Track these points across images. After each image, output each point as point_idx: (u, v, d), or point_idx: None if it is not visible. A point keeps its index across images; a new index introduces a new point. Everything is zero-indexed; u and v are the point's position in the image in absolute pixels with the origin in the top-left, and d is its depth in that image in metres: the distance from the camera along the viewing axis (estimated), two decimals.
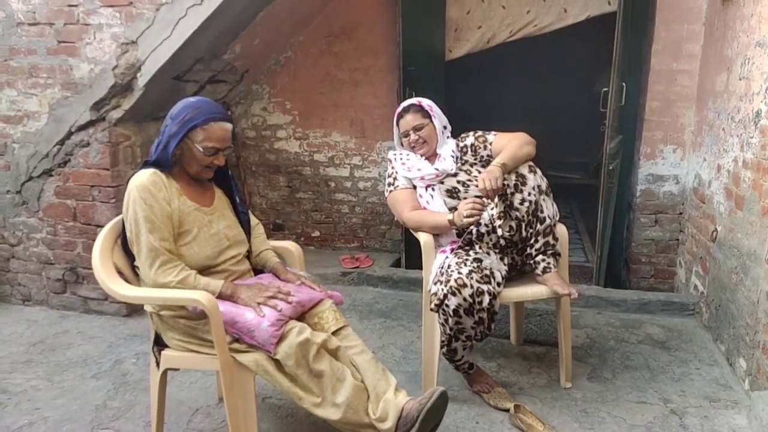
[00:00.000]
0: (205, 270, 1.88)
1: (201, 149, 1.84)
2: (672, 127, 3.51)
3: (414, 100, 2.48)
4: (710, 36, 3.22)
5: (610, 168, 3.48)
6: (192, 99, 1.89)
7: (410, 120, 2.42)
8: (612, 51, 3.27)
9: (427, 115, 2.44)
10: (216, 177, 2.02)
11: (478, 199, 2.11)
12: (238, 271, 1.98)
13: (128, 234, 1.83)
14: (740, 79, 2.65)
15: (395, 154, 2.52)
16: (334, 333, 1.90)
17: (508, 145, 2.25)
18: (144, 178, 1.81)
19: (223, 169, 2.00)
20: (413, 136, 2.42)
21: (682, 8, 3.35)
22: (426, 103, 2.47)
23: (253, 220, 2.18)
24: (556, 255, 2.29)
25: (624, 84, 3.43)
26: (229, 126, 1.90)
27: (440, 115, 2.49)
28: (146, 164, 1.89)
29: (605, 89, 3.45)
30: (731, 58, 2.80)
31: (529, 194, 2.19)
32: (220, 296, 1.81)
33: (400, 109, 2.48)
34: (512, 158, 2.18)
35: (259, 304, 1.78)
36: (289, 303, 1.81)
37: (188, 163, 1.89)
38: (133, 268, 1.92)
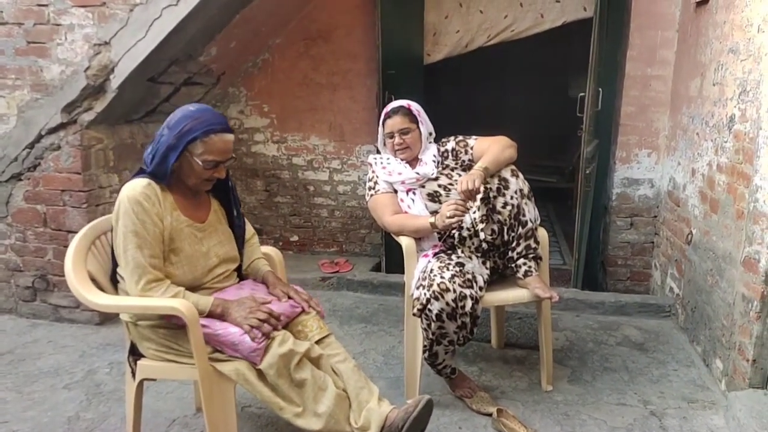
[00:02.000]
0: (190, 288, 1.82)
1: (200, 162, 1.75)
2: (647, 131, 3.57)
3: (404, 103, 2.45)
4: (684, 42, 3.29)
5: (587, 172, 3.52)
6: (191, 108, 1.79)
7: (398, 122, 2.39)
8: (587, 56, 3.31)
9: (414, 119, 2.42)
10: (216, 186, 1.93)
11: (461, 201, 2.11)
12: (222, 287, 1.92)
13: (115, 245, 1.76)
14: (714, 85, 2.70)
15: (376, 158, 2.50)
16: (317, 342, 1.87)
17: (490, 149, 2.25)
18: (137, 190, 1.72)
19: (223, 179, 1.92)
20: (398, 139, 2.39)
21: (656, 15, 3.42)
22: (415, 107, 2.45)
23: (249, 232, 2.11)
24: (537, 258, 2.30)
25: (600, 89, 3.47)
26: (230, 137, 1.81)
27: (427, 121, 2.48)
28: (141, 172, 1.80)
29: (582, 94, 3.49)
30: (705, 64, 2.85)
31: (512, 198, 2.19)
32: (210, 314, 1.74)
33: (388, 109, 2.44)
34: (494, 162, 2.18)
35: (252, 327, 1.70)
36: (278, 330, 1.75)
37: (186, 176, 1.79)
38: (108, 276, 1.86)
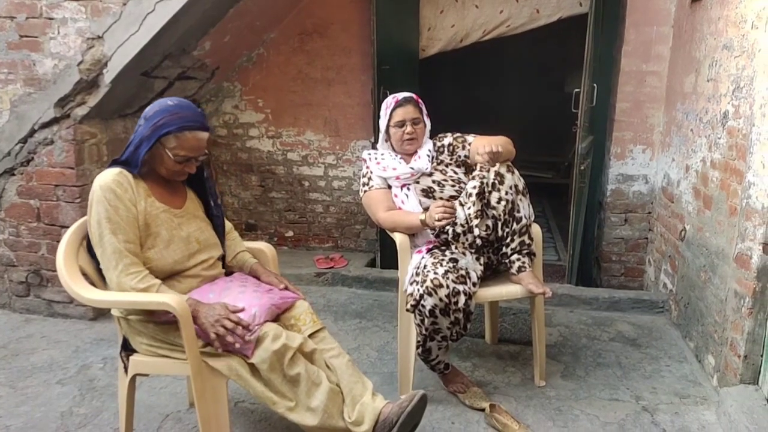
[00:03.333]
0: (175, 274, 1.83)
1: (171, 156, 1.77)
2: (641, 127, 3.57)
3: (412, 95, 2.46)
4: (679, 38, 3.28)
5: (582, 168, 3.52)
6: (170, 102, 1.80)
7: (410, 111, 2.40)
8: (583, 52, 3.31)
9: (421, 112, 2.45)
10: (189, 177, 1.95)
11: (448, 203, 2.11)
12: (209, 276, 1.92)
13: (91, 235, 1.76)
14: (708, 81, 2.70)
15: (370, 154, 2.50)
16: (311, 336, 1.87)
17: (492, 141, 2.27)
18: (108, 178, 1.74)
19: (197, 170, 1.93)
20: (409, 128, 2.39)
21: (652, 11, 3.41)
22: (420, 101, 2.47)
23: (227, 225, 2.12)
24: (531, 255, 2.30)
25: (595, 85, 3.47)
26: (205, 135, 1.82)
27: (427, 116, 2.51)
28: (114, 162, 1.82)
29: (577, 90, 3.49)
30: (699, 60, 2.85)
31: (507, 193, 2.19)
32: None
33: (399, 97, 2.42)
34: (504, 148, 2.19)
35: (217, 335, 1.67)
36: (245, 342, 1.70)
37: (157, 165, 1.82)
38: (100, 271, 1.86)
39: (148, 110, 1.79)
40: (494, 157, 2.11)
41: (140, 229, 1.76)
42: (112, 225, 1.71)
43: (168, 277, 1.81)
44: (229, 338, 1.67)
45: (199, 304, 1.73)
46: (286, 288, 1.96)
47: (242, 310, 1.76)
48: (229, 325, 1.68)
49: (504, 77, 6.95)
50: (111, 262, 1.71)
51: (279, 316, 1.89)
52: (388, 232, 2.43)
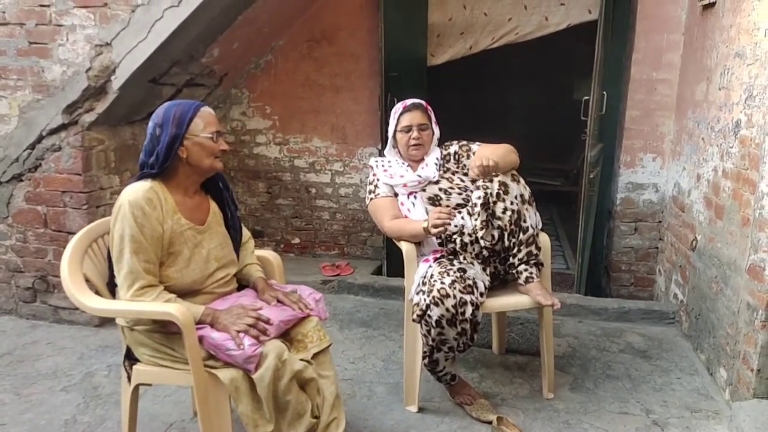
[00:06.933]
0: (190, 293, 1.81)
1: (208, 135, 1.79)
2: (651, 135, 3.53)
3: (421, 101, 2.46)
4: (690, 46, 3.25)
5: (591, 176, 3.48)
6: (165, 103, 1.82)
7: (417, 117, 2.39)
8: (592, 59, 3.28)
9: (429, 119, 2.44)
10: (210, 188, 1.95)
11: (445, 209, 2.09)
12: (223, 292, 1.91)
13: (111, 248, 1.73)
14: (720, 89, 2.67)
15: (377, 161, 2.49)
16: (315, 355, 1.85)
17: (496, 150, 2.24)
18: (138, 194, 1.71)
19: (215, 179, 1.94)
20: (415, 134, 2.38)
21: (662, 18, 3.38)
22: (429, 108, 2.47)
23: (245, 235, 2.10)
24: (538, 265, 2.27)
25: (605, 93, 3.44)
26: (209, 108, 1.87)
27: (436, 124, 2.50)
28: (143, 176, 1.78)
29: (586, 98, 3.46)
30: (711, 68, 2.82)
31: (512, 203, 2.16)
32: (200, 323, 1.72)
33: (407, 103, 2.43)
34: (502, 160, 2.16)
35: (238, 332, 1.68)
36: (267, 336, 1.73)
37: (199, 161, 1.79)
38: (104, 280, 1.85)
39: (159, 119, 1.77)
40: (486, 171, 2.06)
41: (163, 248, 1.74)
42: (134, 244, 1.68)
43: (183, 295, 1.79)
44: (252, 331, 1.68)
45: (216, 312, 1.75)
46: (280, 303, 1.91)
47: (261, 308, 1.78)
48: (250, 320, 1.70)
49: (513, 84, 6.93)
50: (126, 282, 1.69)
51: (288, 330, 1.87)
52: (394, 240, 2.41)
